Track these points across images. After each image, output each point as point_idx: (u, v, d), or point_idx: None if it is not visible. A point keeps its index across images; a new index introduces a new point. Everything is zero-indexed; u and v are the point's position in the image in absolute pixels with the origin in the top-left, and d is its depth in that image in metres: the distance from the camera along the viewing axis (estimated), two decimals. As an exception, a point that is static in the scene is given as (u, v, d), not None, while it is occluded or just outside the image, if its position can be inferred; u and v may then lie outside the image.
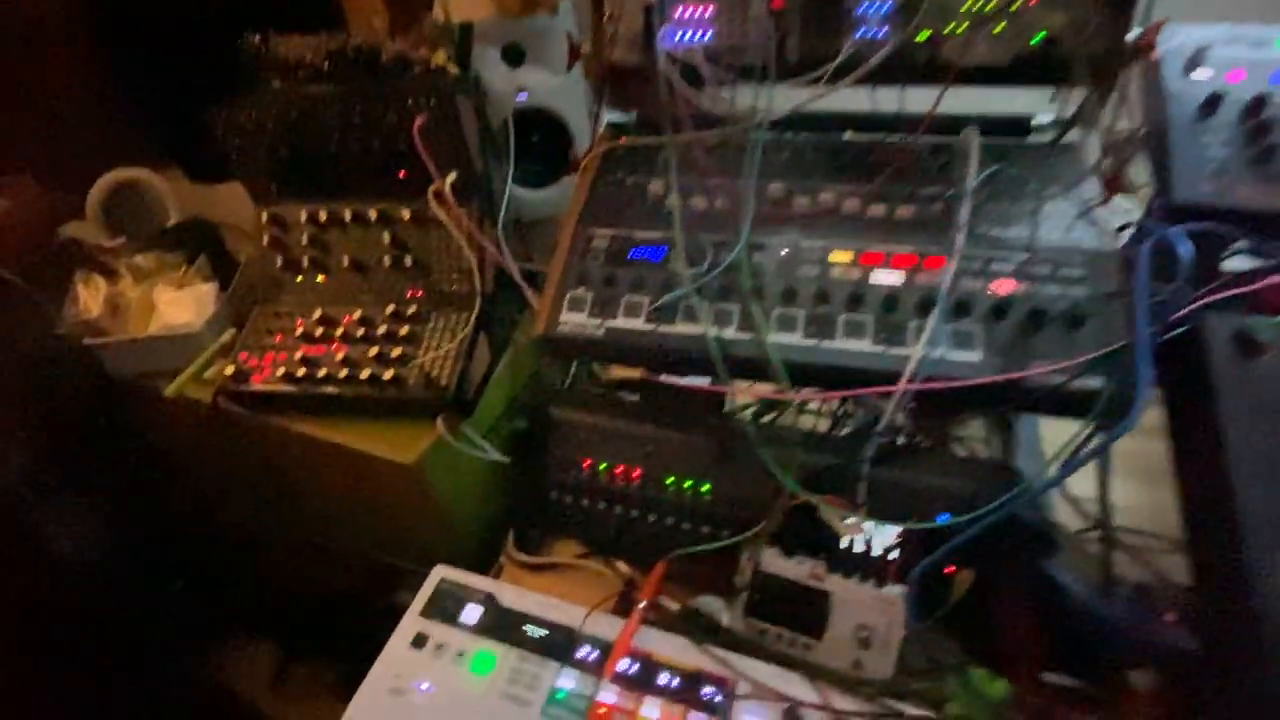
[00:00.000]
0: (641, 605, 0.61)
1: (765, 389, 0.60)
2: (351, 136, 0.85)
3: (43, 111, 1.23)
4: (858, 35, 0.65)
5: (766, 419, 0.74)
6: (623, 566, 0.68)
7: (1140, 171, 0.65)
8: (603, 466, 0.68)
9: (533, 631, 0.62)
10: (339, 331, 0.88)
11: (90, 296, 0.97)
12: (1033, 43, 0.61)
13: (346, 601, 1.24)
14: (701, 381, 0.62)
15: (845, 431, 0.70)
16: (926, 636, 0.57)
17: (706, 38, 0.68)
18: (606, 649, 0.60)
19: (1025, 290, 0.56)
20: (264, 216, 0.93)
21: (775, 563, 0.58)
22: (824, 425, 0.73)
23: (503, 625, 0.63)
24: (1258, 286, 0.52)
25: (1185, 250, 0.50)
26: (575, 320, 0.63)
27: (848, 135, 0.71)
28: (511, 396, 0.98)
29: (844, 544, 0.59)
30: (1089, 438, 0.52)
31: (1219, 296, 0.51)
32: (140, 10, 1.18)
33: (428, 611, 0.64)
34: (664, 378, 0.80)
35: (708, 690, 0.56)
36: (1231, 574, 0.40)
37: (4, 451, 0.99)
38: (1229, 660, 0.42)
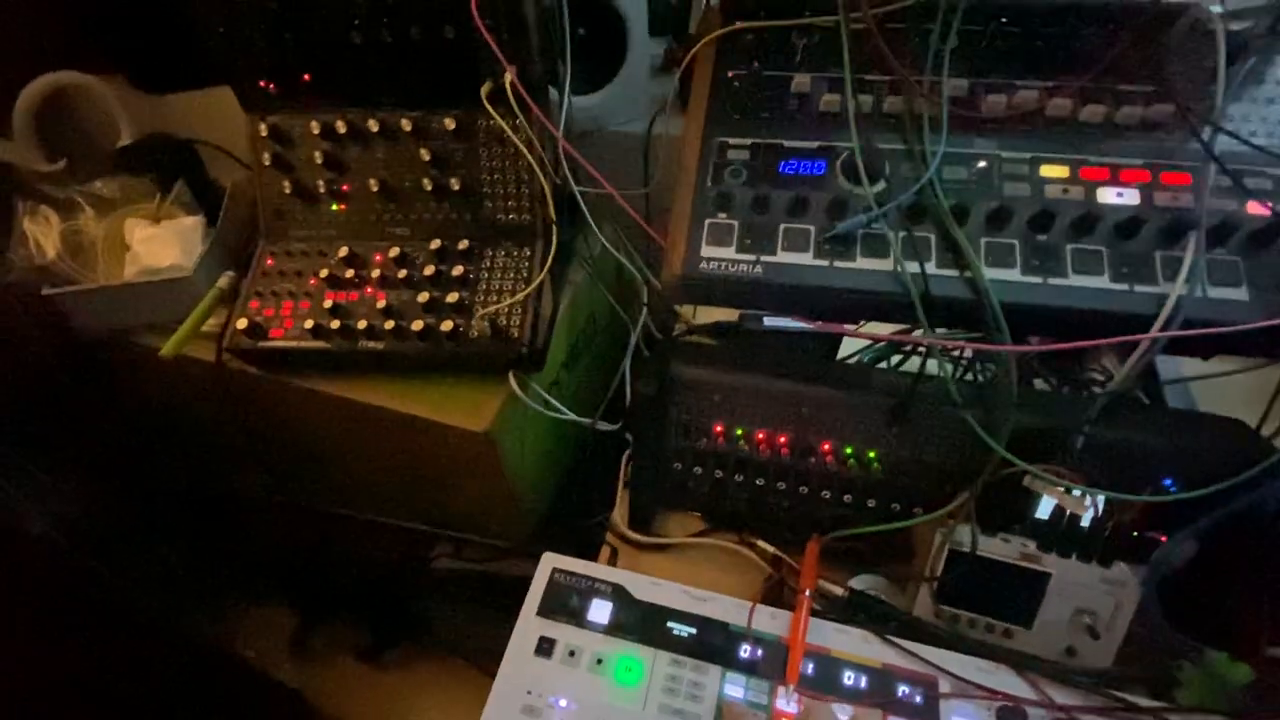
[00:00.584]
0: (807, 592, 0.52)
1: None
2: (379, 19, 0.66)
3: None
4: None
5: (893, 365, 0.64)
6: (764, 545, 0.58)
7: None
8: (739, 432, 0.57)
9: (679, 630, 0.52)
10: (374, 273, 0.72)
11: (42, 234, 0.77)
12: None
13: (373, 567, 1.13)
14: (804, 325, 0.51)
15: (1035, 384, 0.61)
16: (1145, 618, 0.49)
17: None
18: (772, 647, 0.51)
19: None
20: (262, 129, 0.74)
21: (980, 542, 0.49)
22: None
23: (642, 623, 0.53)
24: None
25: None
26: (722, 256, 0.50)
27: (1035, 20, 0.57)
28: (572, 345, 0.85)
29: (1047, 517, 0.50)
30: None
31: None
32: None
33: (547, 610, 0.54)
34: (769, 321, 0.70)
35: (904, 689, 0.48)
36: None
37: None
38: None
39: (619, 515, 0.63)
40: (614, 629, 0.53)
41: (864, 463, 0.55)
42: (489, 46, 0.63)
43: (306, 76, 0.71)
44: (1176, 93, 0.50)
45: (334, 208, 0.76)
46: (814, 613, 0.52)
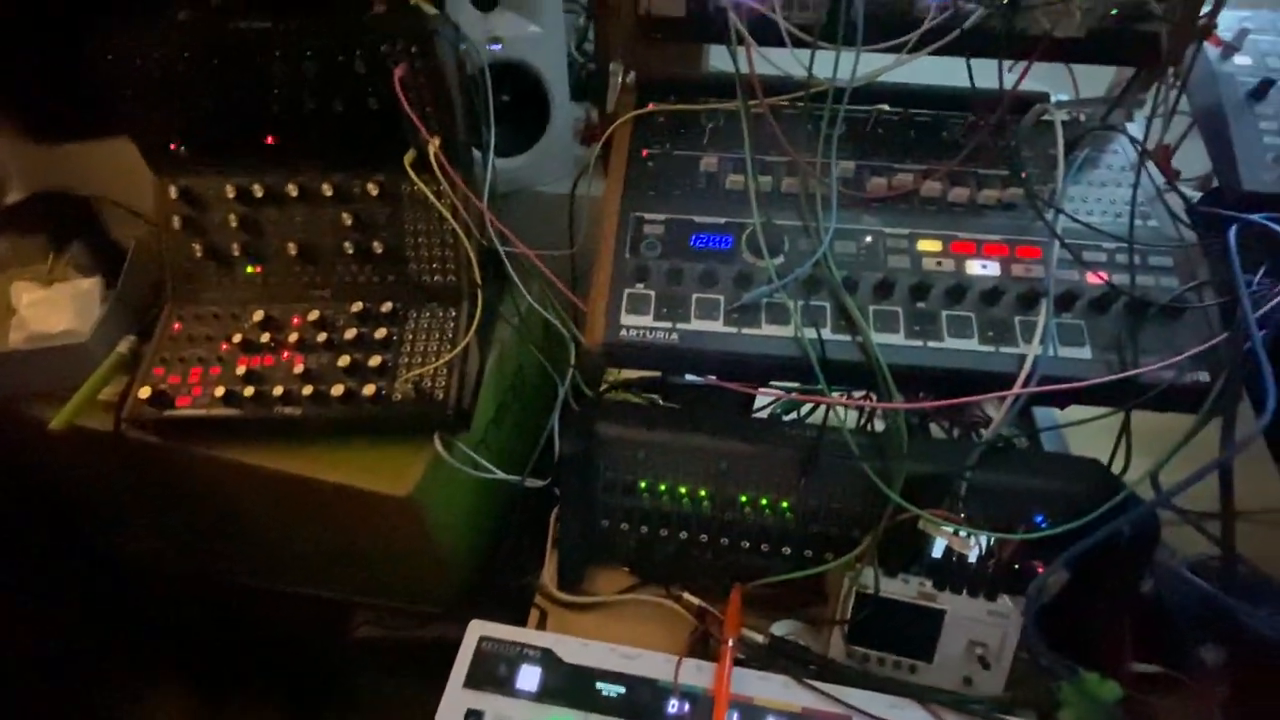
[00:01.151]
0: (730, 643, 0.54)
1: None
2: (300, 88, 0.67)
3: None
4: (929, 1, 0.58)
5: (791, 417, 0.69)
6: (690, 598, 0.60)
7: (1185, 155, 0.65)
8: (663, 487, 0.59)
9: (608, 690, 0.53)
10: (291, 338, 0.71)
11: (-89, 297, 0.71)
12: (1111, 13, 0.58)
13: (290, 640, 1.07)
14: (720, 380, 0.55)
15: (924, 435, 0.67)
16: (1029, 644, 0.55)
17: (758, -8, 0.59)
18: (699, 701, 0.52)
19: (1122, 281, 0.54)
20: (171, 191, 0.72)
21: (880, 583, 0.53)
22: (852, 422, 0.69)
23: (571, 687, 0.53)
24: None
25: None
26: (640, 324, 0.54)
27: (908, 110, 0.65)
28: (499, 404, 0.86)
29: (940, 556, 0.55)
30: (1193, 434, 0.51)
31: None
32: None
33: (474, 681, 0.53)
34: (688, 377, 0.73)
35: (821, 732, 0.51)
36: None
37: None
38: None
39: (548, 575, 0.63)
40: (543, 695, 0.53)
41: (778, 512, 0.58)
42: (403, 117, 0.64)
43: (221, 139, 0.70)
44: (1025, 178, 0.58)
45: (249, 270, 0.74)
46: (737, 661, 0.54)
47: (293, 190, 0.71)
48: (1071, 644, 0.56)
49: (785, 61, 0.60)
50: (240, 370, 0.68)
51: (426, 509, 0.70)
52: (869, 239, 0.57)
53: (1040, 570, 0.56)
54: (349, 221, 0.72)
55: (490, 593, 0.85)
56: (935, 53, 0.57)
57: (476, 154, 0.78)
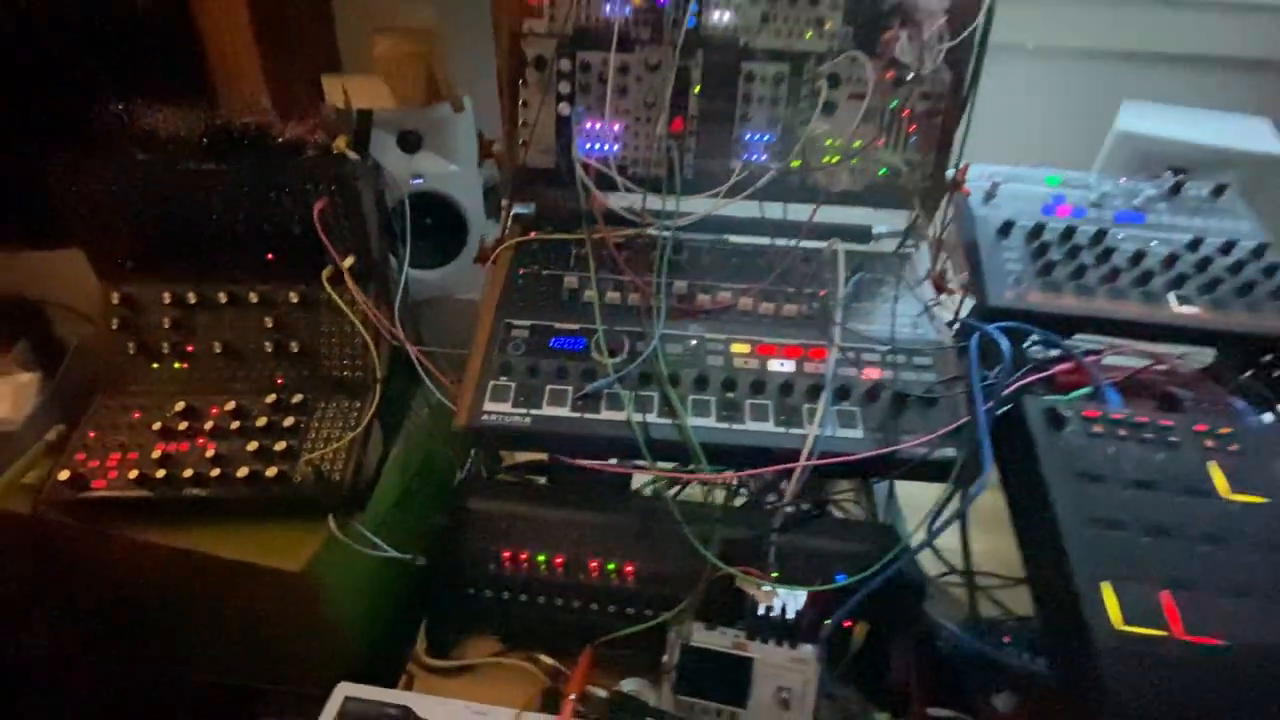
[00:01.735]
0: (571, 698, 0.60)
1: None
2: (237, 217, 0.80)
3: None
4: (742, 158, 0.76)
5: (674, 495, 0.79)
6: (545, 659, 0.67)
7: (954, 276, 0.82)
8: (523, 556, 0.67)
9: (457, 744, 0.58)
10: (207, 425, 0.79)
11: None
12: (880, 174, 0.76)
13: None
14: (605, 461, 0.65)
15: (743, 503, 0.77)
16: (834, 689, 0.62)
17: (615, 151, 0.76)
18: (538, 750, 0.58)
19: (890, 376, 0.67)
20: (114, 297, 0.83)
21: (701, 636, 0.61)
22: (718, 497, 0.79)
23: (423, 741, 0.58)
24: (1051, 372, 0.68)
25: (1004, 344, 0.64)
26: (500, 409, 0.64)
27: (736, 239, 0.80)
28: (404, 488, 0.93)
29: (760, 611, 0.63)
30: (949, 499, 0.62)
31: (1029, 380, 0.65)
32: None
33: (334, 737, 0.58)
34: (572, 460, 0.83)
35: (646, 777, 0.57)
36: (1065, 601, 0.50)
37: None
38: (1069, 674, 0.52)
39: (420, 644, 0.69)
40: (398, 750, 0.58)
41: (621, 575, 0.67)
42: (320, 241, 0.77)
43: (161, 255, 0.81)
44: (823, 295, 0.73)
45: (176, 365, 0.83)
46: (579, 714, 0.60)
47: (223, 297, 0.82)
48: (875, 690, 0.64)
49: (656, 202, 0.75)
50: (156, 454, 0.76)
51: (320, 585, 0.75)
52: (693, 342, 0.70)
53: (848, 625, 0.65)
54: (270, 324, 0.83)
55: (385, 665, 0.88)
56: (745, 198, 0.73)
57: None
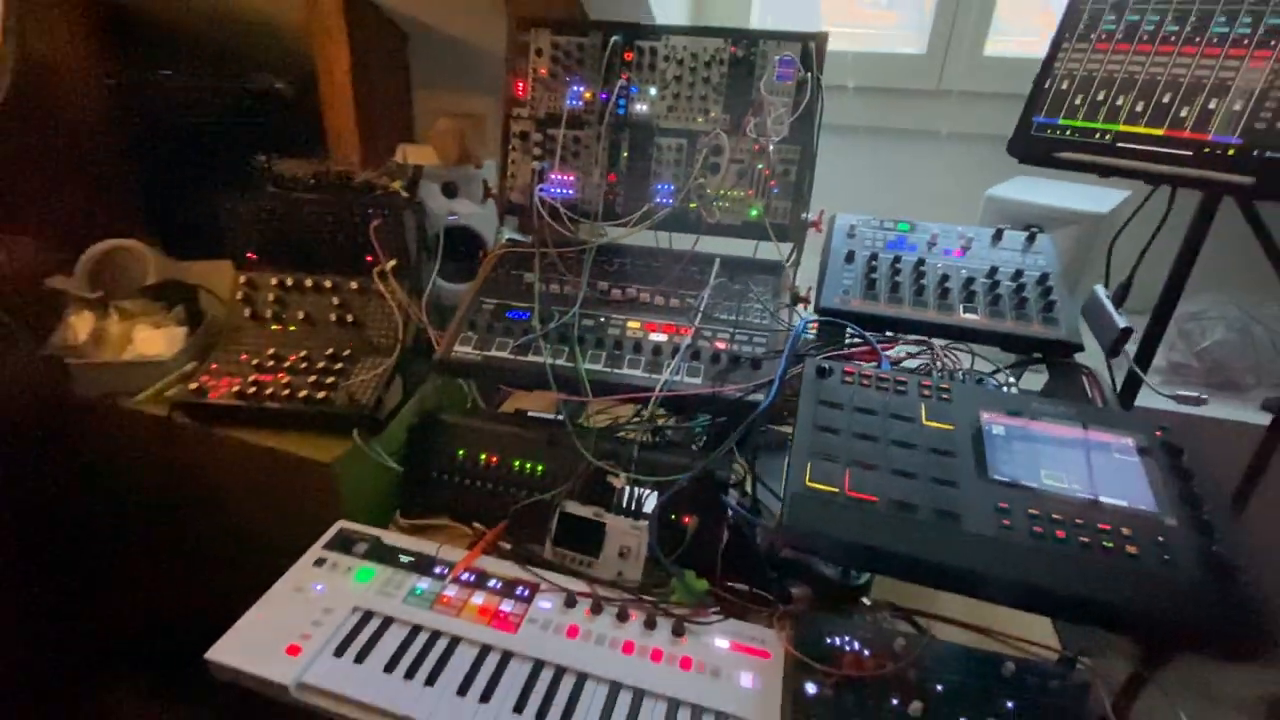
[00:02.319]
0: (485, 537, 0.89)
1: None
2: (324, 230, 1.20)
3: (59, 192, 1.53)
4: (655, 201, 1.09)
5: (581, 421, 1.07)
6: (478, 526, 0.96)
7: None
8: (471, 454, 0.98)
9: (403, 558, 0.88)
10: (285, 365, 1.17)
11: (81, 326, 1.22)
12: (751, 215, 1.07)
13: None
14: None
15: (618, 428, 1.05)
16: (662, 558, 0.87)
17: (569, 193, 1.11)
18: (452, 566, 0.86)
19: (731, 348, 0.95)
20: (241, 278, 1.24)
21: (573, 507, 0.88)
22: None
23: (382, 553, 0.89)
24: (852, 351, 0.94)
25: (798, 327, 0.91)
26: (464, 350, 0.98)
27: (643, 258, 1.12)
28: (410, 425, 1.27)
29: (619, 497, 0.91)
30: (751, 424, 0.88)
31: (833, 354, 0.92)
32: (171, 130, 1.55)
33: (328, 546, 0.90)
34: (531, 413, 1.14)
35: (520, 590, 0.84)
36: (790, 472, 0.75)
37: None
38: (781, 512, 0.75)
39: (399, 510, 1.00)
40: (364, 555, 0.88)
41: (534, 471, 0.96)
42: (375, 250, 1.16)
43: (275, 252, 1.23)
44: (694, 295, 1.03)
45: (273, 327, 1.23)
46: (489, 553, 0.89)
47: (308, 282, 1.22)
48: (701, 565, 0.88)
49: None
50: (251, 380, 1.13)
51: (340, 474, 1.08)
52: (602, 319, 1.01)
53: (686, 520, 0.91)
54: (336, 302, 1.21)
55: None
56: (649, 228, 1.05)
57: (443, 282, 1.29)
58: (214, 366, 1.18)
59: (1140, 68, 0.73)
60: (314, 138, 1.54)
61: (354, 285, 1.22)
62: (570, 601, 0.82)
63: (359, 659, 0.76)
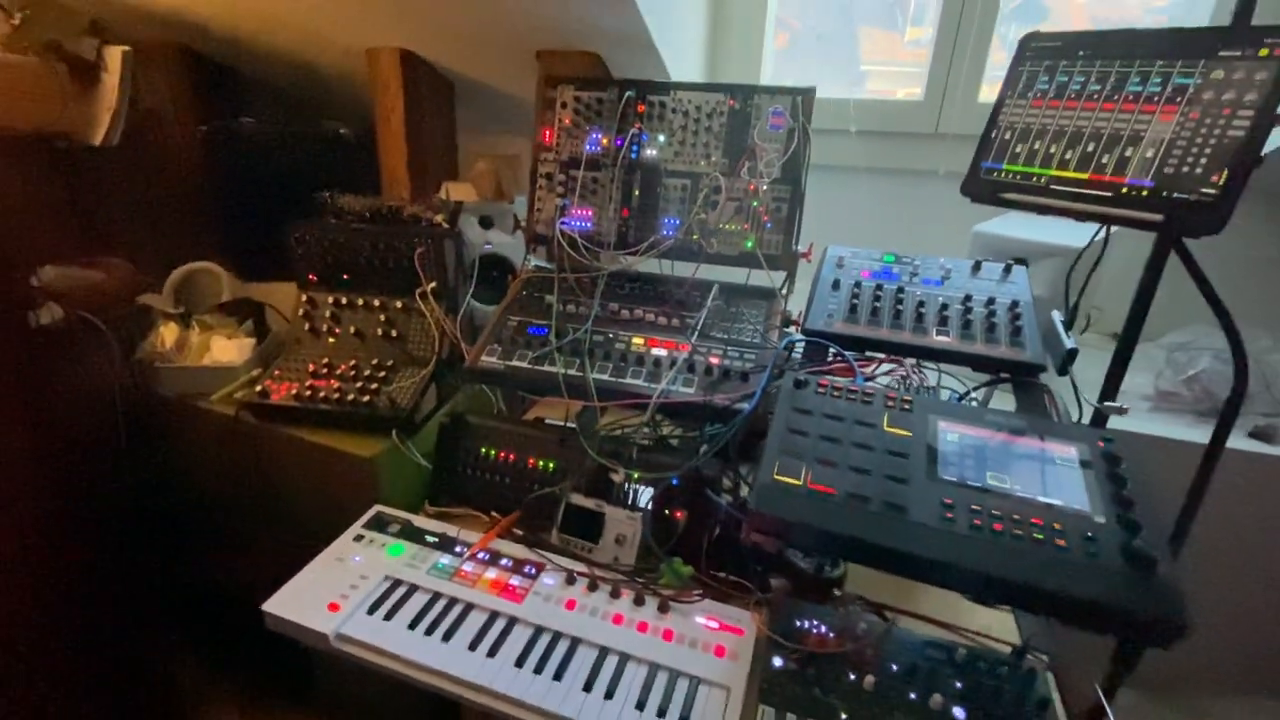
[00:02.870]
0: (500, 523, 1.02)
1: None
2: (376, 255, 1.38)
3: (154, 222, 1.77)
4: (661, 234, 1.22)
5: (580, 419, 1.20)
6: (496, 515, 1.08)
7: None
8: (493, 452, 1.12)
9: (429, 538, 1.01)
10: (338, 372, 1.33)
11: (168, 335, 1.41)
12: (746, 246, 1.20)
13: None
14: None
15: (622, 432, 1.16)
16: (656, 549, 0.98)
17: (587, 226, 1.26)
18: (470, 546, 0.99)
19: (723, 362, 1.07)
20: (303, 297, 1.42)
21: (577, 499, 1.00)
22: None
23: (412, 533, 1.02)
24: (831, 367, 1.04)
25: (780, 346, 1.02)
26: (490, 360, 1.12)
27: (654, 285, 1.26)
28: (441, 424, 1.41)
29: (618, 491, 1.02)
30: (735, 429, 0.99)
31: (813, 369, 1.02)
32: (247, 169, 1.78)
33: (366, 525, 1.04)
34: (548, 421, 1.28)
35: (528, 568, 0.96)
36: (762, 469, 0.85)
37: (77, 435, 1.36)
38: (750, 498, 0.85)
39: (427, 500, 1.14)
40: (397, 534, 1.02)
41: (546, 468, 1.08)
42: (418, 274, 1.32)
43: (332, 274, 1.41)
44: (694, 316, 1.15)
45: (329, 340, 1.40)
46: (503, 537, 1.01)
47: (360, 301, 1.40)
48: (689, 557, 0.99)
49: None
50: (307, 385, 1.30)
51: (378, 467, 1.23)
52: (610, 336, 1.14)
53: (678, 515, 1.02)
54: (383, 319, 1.38)
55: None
56: (656, 257, 1.19)
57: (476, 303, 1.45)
58: (276, 372, 1.35)
59: (1069, 121, 0.83)
60: (371, 176, 1.75)
61: (399, 304, 1.39)
62: (570, 579, 0.94)
63: (387, 617, 0.89)
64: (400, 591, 0.93)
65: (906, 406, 0.91)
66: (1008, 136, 0.90)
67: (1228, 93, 0.72)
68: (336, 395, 1.28)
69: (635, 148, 1.23)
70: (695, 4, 1.72)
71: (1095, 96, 0.81)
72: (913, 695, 0.81)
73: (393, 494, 1.25)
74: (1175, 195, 0.74)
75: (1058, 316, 1.00)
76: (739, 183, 1.18)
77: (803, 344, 1.09)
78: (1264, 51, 0.69)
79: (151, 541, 1.47)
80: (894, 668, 0.84)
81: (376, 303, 1.40)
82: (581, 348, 1.11)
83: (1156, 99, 0.76)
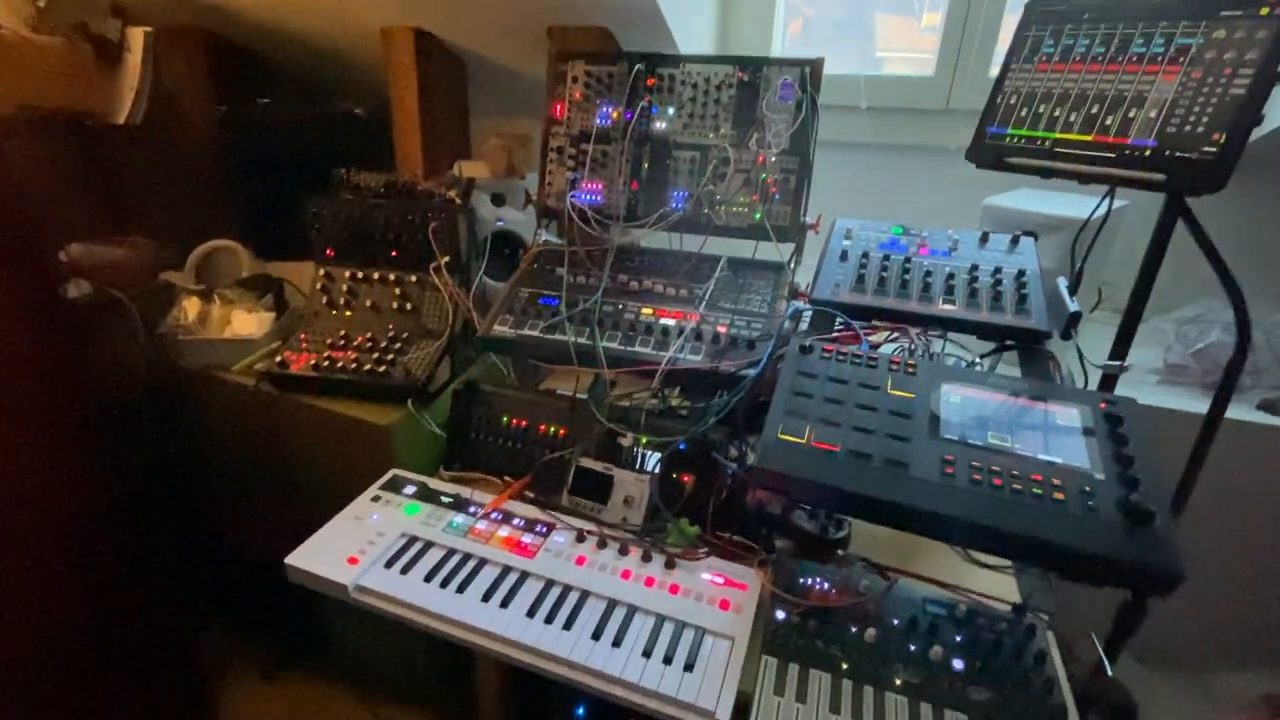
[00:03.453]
0: (512, 486, 1.05)
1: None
2: (391, 230, 1.41)
3: (175, 201, 1.81)
4: (669, 207, 1.24)
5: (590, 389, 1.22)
6: (507, 479, 1.11)
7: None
8: (505, 418, 1.14)
9: (444, 499, 1.05)
10: (354, 344, 1.37)
11: (190, 309, 1.45)
12: (754, 218, 1.21)
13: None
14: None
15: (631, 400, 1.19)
16: (662, 509, 1.01)
17: (597, 199, 1.28)
18: (484, 506, 1.02)
19: (730, 331, 1.09)
20: (320, 271, 1.46)
21: (586, 462, 1.03)
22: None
23: (427, 494, 1.05)
24: (837, 335, 1.06)
25: (789, 312, 1.04)
26: (502, 329, 1.15)
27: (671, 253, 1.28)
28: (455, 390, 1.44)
29: (627, 454, 1.05)
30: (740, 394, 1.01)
31: (820, 336, 1.04)
32: (266, 149, 1.81)
33: (383, 487, 1.07)
34: (560, 390, 1.30)
35: (540, 527, 0.99)
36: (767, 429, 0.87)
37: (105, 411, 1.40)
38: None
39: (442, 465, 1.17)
40: (412, 495, 1.05)
41: (557, 434, 1.11)
42: (433, 249, 1.35)
43: (349, 249, 1.44)
44: (702, 287, 1.17)
45: (347, 313, 1.43)
46: (515, 498, 1.04)
47: (375, 275, 1.43)
48: (691, 512, 1.01)
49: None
50: (325, 355, 1.34)
51: (393, 436, 1.26)
52: (620, 306, 1.16)
53: (685, 478, 1.04)
54: (398, 293, 1.41)
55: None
56: (665, 229, 1.21)
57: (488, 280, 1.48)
58: (297, 344, 1.39)
59: (1073, 84, 0.84)
60: (385, 153, 1.78)
61: (413, 278, 1.42)
62: (580, 537, 0.97)
63: (404, 571, 0.92)
64: (416, 547, 0.96)
65: (911, 370, 0.93)
66: (1013, 101, 0.90)
67: (1229, 52, 0.72)
68: (354, 365, 1.31)
69: (645, 121, 1.24)
70: (706, -16, 1.72)
71: (1100, 59, 0.81)
72: (913, 647, 0.83)
73: (408, 461, 1.28)
74: (1177, 154, 0.74)
75: (1062, 282, 1.00)
76: (747, 154, 1.20)
77: (809, 313, 1.11)
78: (1264, 10, 0.69)
79: (173, 507, 1.52)
80: (895, 622, 0.86)
81: (391, 277, 1.43)
82: (591, 317, 1.13)
83: (1160, 60, 0.76)
